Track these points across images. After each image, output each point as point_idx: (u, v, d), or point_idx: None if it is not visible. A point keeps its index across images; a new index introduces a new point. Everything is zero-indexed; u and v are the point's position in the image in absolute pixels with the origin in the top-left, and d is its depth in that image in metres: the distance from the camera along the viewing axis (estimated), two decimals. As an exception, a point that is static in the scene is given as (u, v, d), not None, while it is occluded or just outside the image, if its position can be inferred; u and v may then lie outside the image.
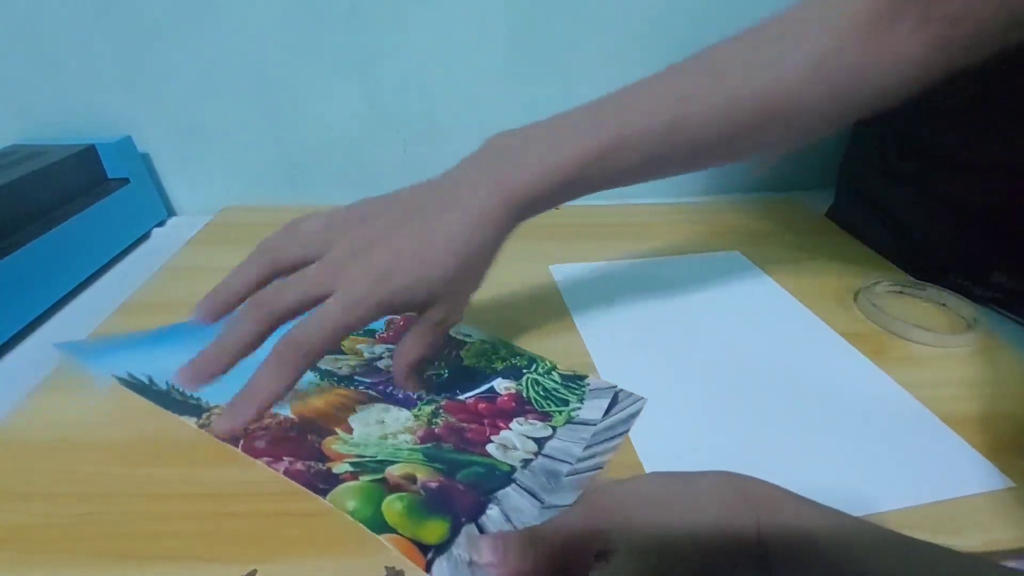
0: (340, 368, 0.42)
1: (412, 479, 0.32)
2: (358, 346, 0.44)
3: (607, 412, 0.38)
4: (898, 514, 0.31)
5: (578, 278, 0.55)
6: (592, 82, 0.70)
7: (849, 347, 0.45)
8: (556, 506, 0.31)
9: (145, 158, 0.68)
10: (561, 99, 0.72)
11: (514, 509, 0.31)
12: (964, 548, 0.24)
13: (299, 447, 0.34)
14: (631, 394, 0.39)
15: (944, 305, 0.51)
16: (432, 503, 0.31)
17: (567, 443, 0.35)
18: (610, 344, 0.45)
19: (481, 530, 0.30)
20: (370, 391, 0.39)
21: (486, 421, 0.37)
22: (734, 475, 0.27)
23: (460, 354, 0.44)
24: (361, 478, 0.32)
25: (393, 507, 0.31)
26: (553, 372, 0.42)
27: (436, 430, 0.36)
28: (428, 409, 0.38)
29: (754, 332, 0.47)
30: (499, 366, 0.42)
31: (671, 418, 0.38)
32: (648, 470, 0.34)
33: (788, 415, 0.38)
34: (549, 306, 0.51)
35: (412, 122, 0.69)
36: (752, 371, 0.42)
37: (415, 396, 0.39)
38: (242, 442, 0.35)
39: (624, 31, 0.66)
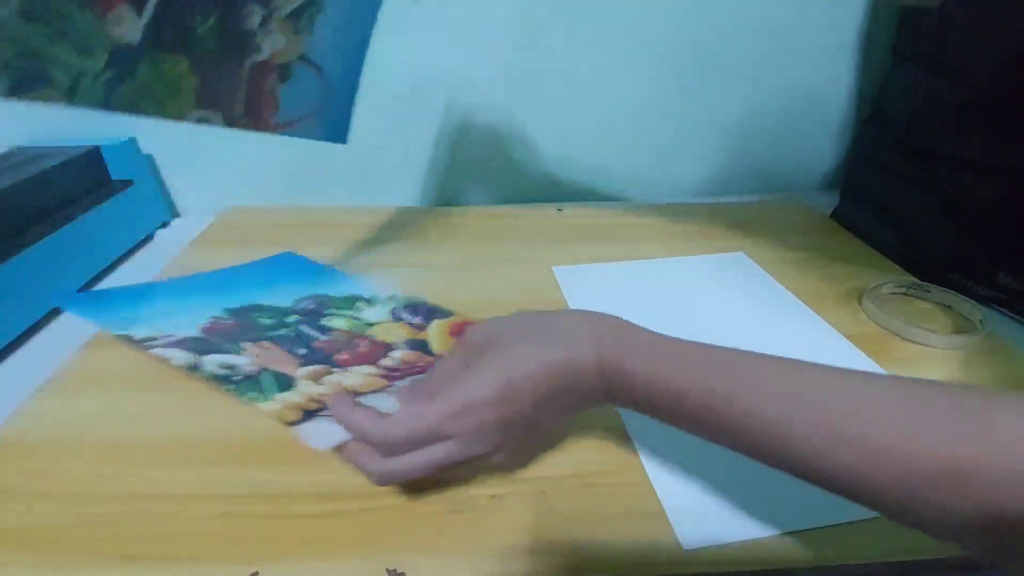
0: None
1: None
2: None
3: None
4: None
5: (581, 279, 0.55)
6: (592, 82, 0.70)
7: (853, 348, 0.45)
8: None
9: (149, 160, 0.68)
10: (561, 99, 0.71)
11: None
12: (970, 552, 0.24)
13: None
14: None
15: (948, 306, 0.50)
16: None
17: None
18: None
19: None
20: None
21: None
22: (588, 312, 0.33)
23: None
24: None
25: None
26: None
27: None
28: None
29: (758, 333, 0.47)
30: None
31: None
32: (651, 474, 0.34)
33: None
34: (551, 307, 0.50)
35: (415, 124, 0.69)
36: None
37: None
38: None
39: (625, 31, 0.66)
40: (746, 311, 0.50)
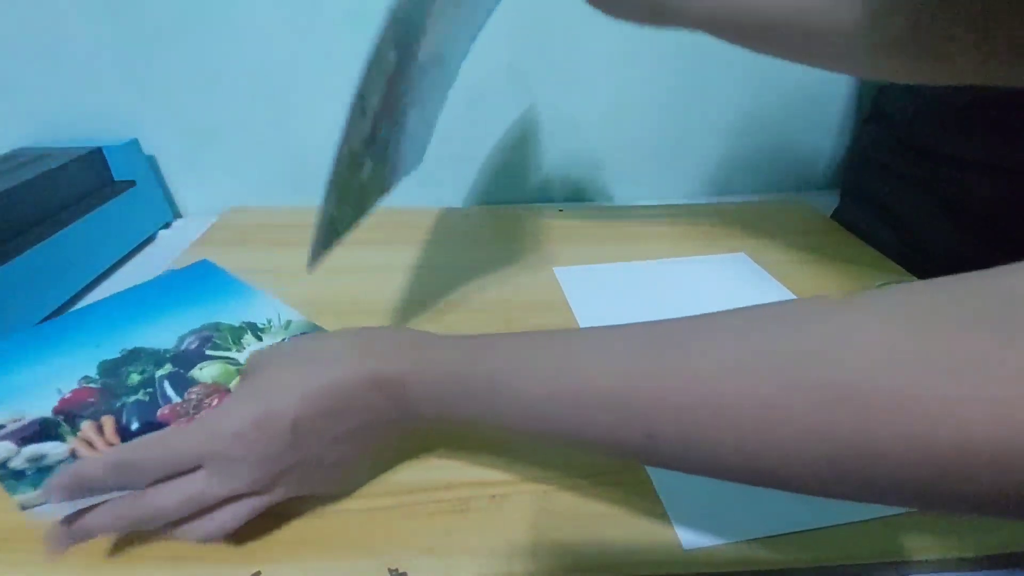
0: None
1: None
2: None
3: None
4: (901, 516, 0.31)
5: (583, 280, 0.55)
6: (593, 82, 0.70)
7: None
8: None
9: (151, 160, 0.68)
10: (562, 99, 0.71)
11: None
12: (965, 553, 0.24)
13: None
14: None
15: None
16: None
17: None
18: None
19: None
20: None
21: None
22: (364, 329, 0.32)
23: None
24: None
25: None
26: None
27: None
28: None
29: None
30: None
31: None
32: (651, 474, 0.34)
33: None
34: (553, 309, 0.51)
35: (416, 124, 0.69)
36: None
37: None
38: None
39: (625, 31, 0.66)
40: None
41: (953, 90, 0.52)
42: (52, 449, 0.33)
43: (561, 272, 0.56)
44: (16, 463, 0.32)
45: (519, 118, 0.70)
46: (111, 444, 0.33)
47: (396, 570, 0.28)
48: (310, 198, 0.72)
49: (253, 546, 0.30)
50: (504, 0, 0.64)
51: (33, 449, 0.33)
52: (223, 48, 0.63)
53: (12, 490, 0.31)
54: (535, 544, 0.30)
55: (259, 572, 0.28)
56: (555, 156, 0.73)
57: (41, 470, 0.32)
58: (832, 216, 0.69)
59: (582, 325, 0.48)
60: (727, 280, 0.55)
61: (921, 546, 0.30)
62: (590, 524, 0.31)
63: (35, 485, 0.31)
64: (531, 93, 0.69)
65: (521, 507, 0.32)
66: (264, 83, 0.65)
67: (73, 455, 0.33)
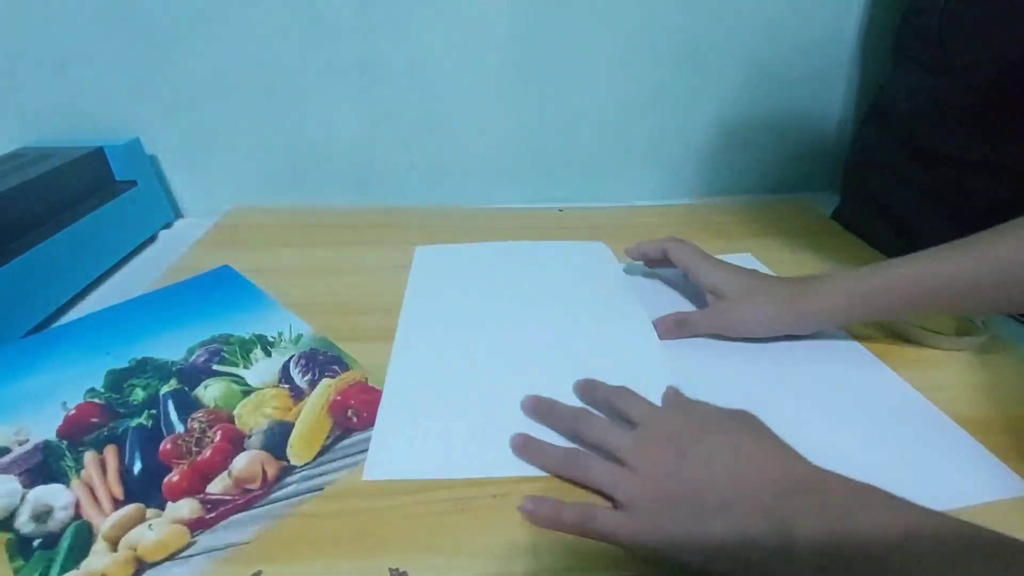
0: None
1: None
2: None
3: None
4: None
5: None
6: (593, 83, 0.70)
7: (861, 348, 0.45)
8: None
9: (152, 160, 0.69)
10: (562, 100, 0.71)
11: None
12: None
13: None
14: None
15: (950, 307, 0.50)
16: None
17: None
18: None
19: None
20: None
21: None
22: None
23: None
24: None
25: None
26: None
27: None
28: None
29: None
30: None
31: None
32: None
33: (798, 416, 0.38)
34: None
35: (416, 124, 0.69)
36: (760, 371, 0.42)
37: None
38: None
39: (625, 32, 0.66)
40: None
41: (953, 91, 0.52)
42: (56, 497, 0.33)
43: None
44: (22, 519, 0.32)
45: (519, 118, 0.70)
46: (113, 491, 0.33)
47: (396, 570, 0.28)
48: (310, 198, 0.73)
49: (253, 545, 0.30)
50: (504, 0, 0.64)
51: (38, 496, 0.33)
52: (224, 48, 0.63)
53: (13, 559, 0.30)
54: (535, 544, 0.30)
55: (259, 572, 0.28)
56: (555, 156, 0.73)
57: (46, 540, 0.31)
58: (832, 216, 0.69)
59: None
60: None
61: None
62: (590, 524, 0.31)
63: (37, 570, 0.29)
64: (531, 93, 0.69)
65: (521, 507, 0.32)
66: (265, 83, 0.65)
67: (77, 508, 0.32)
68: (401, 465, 0.35)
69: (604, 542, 0.30)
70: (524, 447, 0.35)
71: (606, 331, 0.47)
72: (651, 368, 0.42)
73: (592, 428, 0.34)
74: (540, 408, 0.38)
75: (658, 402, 0.36)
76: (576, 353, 0.44)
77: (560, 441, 0.36)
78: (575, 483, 0.33)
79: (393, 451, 0.36)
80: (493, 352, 0.44)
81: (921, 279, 0.39)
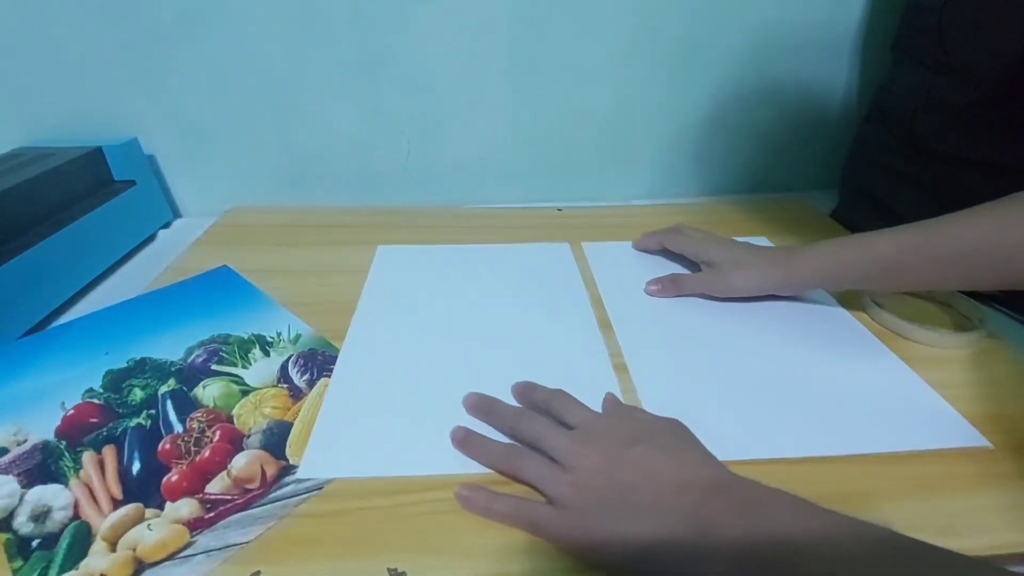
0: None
1: None
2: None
3: None
4: (904, 515, 0.31)
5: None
6: (593, 83, 0.70)
7: (872, 337, 0.47)
8: None
9: (151, 160, 0.69)
10: (562, 100, 0.71)
11: None
12: (969, 551, 0.24)
13: None
14: None
15: (949, 305, 0.50)
16: None
17: None
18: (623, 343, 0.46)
19: None
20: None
21: None
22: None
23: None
24: None
25: None
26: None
27: None
28: None
29: (762, 332, 0.47)
30: None
31: (686, 415, 0.37)
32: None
33: (800, 414, 0.39)
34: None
35: (416, 124, 0.69)
36: (761, 369, 0.43)
37: None
38: None
39: (625, 31, 0.66)
40: (752, 311, 0.50)
41: (953, 90, 0.52)
42: (54, 498, 0.33)
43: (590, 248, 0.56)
44: (21, 520, 0.32)
45: (519, 118, 0.70)
46: (112, 491, 0.33)
47: (396, 570, 0.28)
48: (310, 198, 0.73)
49: (253, 545, 0.30)
50: (504, 0, 0.64)
51: (37, 496, 0.33)
52: (223, 48, 0.63)
53: (12, 560, 0.30)
54: (534, 544, 0.30)
55: (259, 572, 0.28)
56: (555, 156, 0.73)
57: (45, 541, 0.31)
58: (832, 215, 0.69)
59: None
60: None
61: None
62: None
63: (36, 571, 0.29)
64: (531, 93, 0.69)
65: (521, 507, 0.32)
66: (264, 83, 0.65)
67: (76, 508, 0.32)
68: (338, 463, 0.35)
69: (533, 536, 0.30)
70: (464, 441, 0.35)
71: (554, 333, 0.47)
72: (594, 372, 0.43)
73: (530, 427, 0.35)
74: (481, 406, 0.38)
75: (597, 405, 0.37)
76: (523, 355, 0.44)
77: (502, 439, 0.36)
78: (512, 478, 0.33)
79: (331, 449, 0.36)
80: (440, 352, 0.44)
81: (902, 248, 0.41)
